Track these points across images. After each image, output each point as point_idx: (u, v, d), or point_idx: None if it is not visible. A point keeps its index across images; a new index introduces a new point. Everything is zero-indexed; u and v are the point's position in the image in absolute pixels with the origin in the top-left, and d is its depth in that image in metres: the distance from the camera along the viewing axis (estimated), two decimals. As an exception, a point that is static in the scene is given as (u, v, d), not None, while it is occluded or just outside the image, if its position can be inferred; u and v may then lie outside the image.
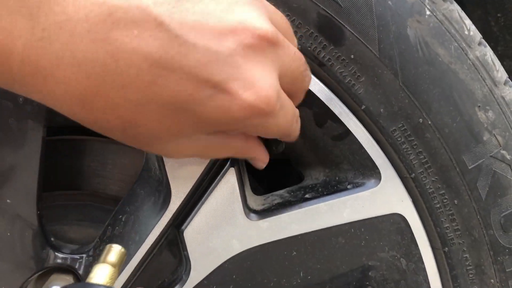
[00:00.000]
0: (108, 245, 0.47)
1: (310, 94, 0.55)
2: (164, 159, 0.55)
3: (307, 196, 0.60)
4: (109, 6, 0.34)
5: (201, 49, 0.35)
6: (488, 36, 0.85)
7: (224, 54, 0.36)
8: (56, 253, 0.59)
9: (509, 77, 0.60)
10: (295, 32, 0.53)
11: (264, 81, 0.38)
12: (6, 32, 0.33)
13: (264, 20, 0.38)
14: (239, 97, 0.37)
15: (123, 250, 0.46)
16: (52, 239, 0.60)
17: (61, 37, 0.34)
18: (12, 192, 0.57)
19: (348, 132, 0.57)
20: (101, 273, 0.45)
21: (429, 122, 0.55)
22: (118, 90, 0.35)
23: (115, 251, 0.46)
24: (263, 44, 0.38)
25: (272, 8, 0.43)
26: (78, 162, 0.70)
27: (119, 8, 0.34)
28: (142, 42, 0.34)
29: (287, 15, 0.53)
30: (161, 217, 0.56)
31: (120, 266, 0.46)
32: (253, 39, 0.37)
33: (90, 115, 0.37)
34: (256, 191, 0.61)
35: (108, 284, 0.44)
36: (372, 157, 0.57)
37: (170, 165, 0.55)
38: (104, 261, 0.46)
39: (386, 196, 0.58)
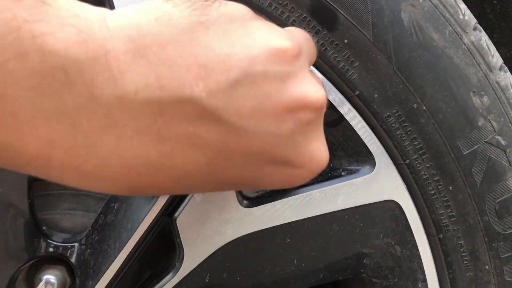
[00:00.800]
0: None
1: (303, 80, 0.54)
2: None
3: (301, 183, 0.59)
4: (159, 105, 0.30)
5: (262, 136, 0.33)
6: (484, 24, 0.84)
7: (285, 135, 0.34)
8: (48, 242, 0.59)
9: (505, 65, 0.60)
10: (288, 17, 0.53)
11: (323, 149, 0.38)
12: (43, 141, 0.29)
13: (317, 86, 0.36)
14: (303, 169, 0.37)
15: None
16: (44, 227, 0.60)
17: (107, 142, 0.30)
18: (2, 181, 0.56)
19: (342, 118, 0.56)
20: None
21: (424, 108, 0.55)
22: (173, 181, 0.34)
23: None
24: (318, 114, 0.36)
25: (310, 50, 0.40)
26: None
27: (170, 105, 0.30)
28: (199, 139, 0.32)
29: (279, -1, 0.52)
30: (154, 204, 0.55)
31: None
32: (310, 114, 0.35)
33: (140, 194, 0.36)
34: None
35: None
36: (366, 143, 0.57)
37: (162, 152, 0.54)
38: None
39: (380, 183, 0.57)
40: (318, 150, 0.37)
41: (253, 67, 0.32)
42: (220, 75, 0.31)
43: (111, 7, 0.52)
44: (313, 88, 0.36)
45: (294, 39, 0.36)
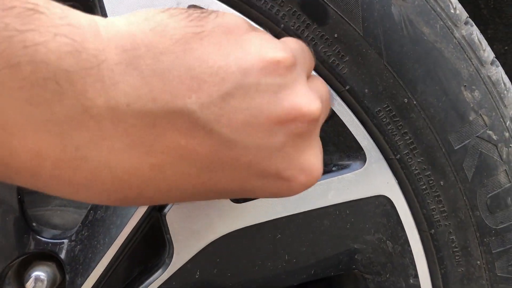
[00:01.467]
0: None
1: (293, 75, 0.54)
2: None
3: (292, 178, 0.59)
4: (152, 117, 0.30)
5: (252, 149, 0.33)
6: (478, 19, 0.84)
7: (275, 148, 0.34)
8: (37, 239, 0.58)
9: (499, 61, 0.60)
10: (278, 11, 0.52)
11: (314, 161, 0.37)
12: (32, 153, 0.29)
13: (311, 98, 0.35)
14: (293, 182, 0.36)
15: None
16: (34, 224, 0.60)
17: (97, 155, 0.30)
18: (-9, 176, 0.56)
19: (332, 113, 0.56)
20: None
21: (414, 102, 0.54)
22: (163, 192, 0.34)
23: None
24: (312, 125, 0.36)
25: (306, 61, 0.40)
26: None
27: (163, 117, 0.30)
28: (190, 152, 0.32)
29: (269, -7, 0.52)
30: (143, 200, 0.55)
31: None
32: (302, 126, 0.35)
33: (131, 205, 0.37)
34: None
35: None
36: (357, 138, 0.56)
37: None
38: None
39: (371, 178, 0.57)
40: (310, 163, 0.36)
41: (245, 79, 0.32)
42: (213, 87, 0.31)
43: (104, 15, 0.52)
44: (306, 99, 0.35)
45: (289, 50, 0.35)
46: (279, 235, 0.57)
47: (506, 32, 0.85)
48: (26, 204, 0.60)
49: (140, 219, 0.55)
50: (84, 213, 0.61)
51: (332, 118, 0.56)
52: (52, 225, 0.65)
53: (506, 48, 0.86)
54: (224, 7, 0.52)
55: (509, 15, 0.83)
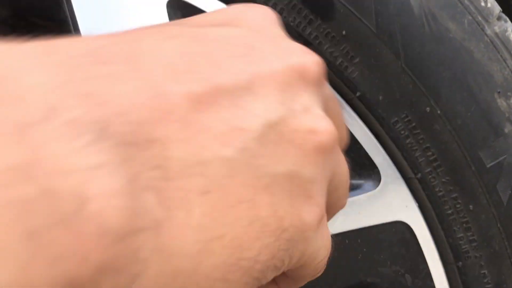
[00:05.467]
0: None
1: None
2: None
3: (293, 200, 0.53)
4: None
5: None
6: (507, 15, 0.78)
7: None
8: None
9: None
10: (275, 5, 0.48)
11: None
12: None
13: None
14: None
15: None
16: None
17: None
18: None
19: (341, 125, 0.50)
20: None
21: (438, 112, 0.51)
22: None
23: None
24: None
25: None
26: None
27: None
28: None
29: (265, -16, 0.47)
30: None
31: None
32: None
33: None
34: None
35: None
36: (369, 154, 0.53)
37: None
38: None
39: (387, 201, 0.53)
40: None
41: None
42: None
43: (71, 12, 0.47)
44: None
45: None
46: (278, 268, 0.51)
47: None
48: None
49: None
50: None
51: (341, 130, 0.50)
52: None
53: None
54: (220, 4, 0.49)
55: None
